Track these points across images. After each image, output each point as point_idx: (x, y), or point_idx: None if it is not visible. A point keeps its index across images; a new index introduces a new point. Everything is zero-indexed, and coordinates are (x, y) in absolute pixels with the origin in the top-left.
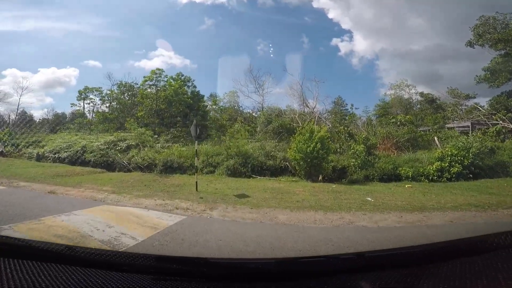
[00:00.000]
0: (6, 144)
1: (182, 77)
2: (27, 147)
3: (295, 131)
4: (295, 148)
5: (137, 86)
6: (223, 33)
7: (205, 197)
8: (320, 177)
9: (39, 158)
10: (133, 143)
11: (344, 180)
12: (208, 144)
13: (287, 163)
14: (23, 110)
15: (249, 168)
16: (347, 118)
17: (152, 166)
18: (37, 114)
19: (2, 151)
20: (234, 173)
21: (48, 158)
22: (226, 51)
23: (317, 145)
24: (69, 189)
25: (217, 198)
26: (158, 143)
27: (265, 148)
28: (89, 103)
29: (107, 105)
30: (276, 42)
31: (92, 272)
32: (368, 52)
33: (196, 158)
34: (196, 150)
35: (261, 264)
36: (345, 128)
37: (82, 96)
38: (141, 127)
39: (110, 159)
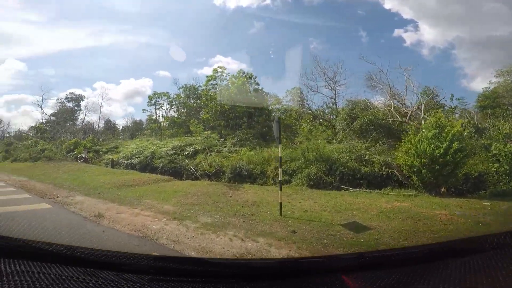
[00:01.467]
0: (89, 150)
1: (243, 74)
2: (106, 153)
3: (391, 128)
4: (413, 151)
5: (201, 88)
6: (273, 35)
7: (299, 229)
8: (443, 189)
9: (114, 164)
10: (200, 148)
11: (483, 192)
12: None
13: (395, 170)
14: (108, 118)
15: (337, 176)
16: (442, 110)
17: (220, 173)
18: (121, 122)
19: (85, 157)
20: (317, 183)
21: (121, 165)
22: (279, 51)
23: (453, 145)
24: (123, 209)
25: (319, 232)
26: (225, 147)
27: (355, 151)
28: (158, 108)
29: (175, 109)
30: (330, 38)
31: (92, 272)
32: (439, 42)
33: (280, 169)
34: (280, 157)
35: (262, 264)
36: (470, 122)
37: (152, 102)
38: (207, 130)
39: (178, 165)
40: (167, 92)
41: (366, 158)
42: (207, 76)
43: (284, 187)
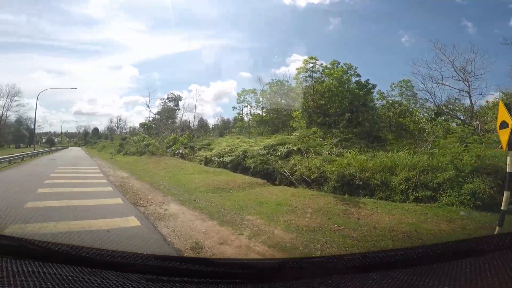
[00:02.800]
0: (185, 146)
1: (338, 65)
2: (200, 150)
3: None
4: None
5: (288, 84)
6: (354, 30)
7: None
8: None
9: (207, 161)
10: (294, 148)
11: None
12: (405, 152)
13: None
14: (201, 117)
15: None
16: None
17: (321, 179)
18: (211, 121)
19: (182, 153)
20: (489, 204)
21: (214, 162)
22: (367, 45)
23: None
24: (226, 235)
25: None
26: (323, 148)
27: None
28: (246, 106)
29: (262, 106)
30: (425, 31)
31: (97, 272)
32: None
33: (506, 192)
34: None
35: (263, 264)
36: None
37: (240, 99)
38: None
39: (270, 167)
40: (254, 89)
41: None
42: (297, 69)
43: (431, 206)
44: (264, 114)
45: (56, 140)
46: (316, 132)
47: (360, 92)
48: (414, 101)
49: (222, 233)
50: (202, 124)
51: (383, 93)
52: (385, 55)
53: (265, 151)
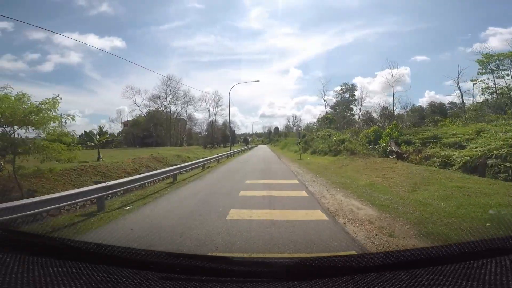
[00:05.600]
0: (396, 141)
1: None
2: (425, 146)
3: None
4: None
5: None
6: None
7: None
8: None
9: (473, 169)
10: None
11: None
12: None
13: None
14: (385, 106)
15: None
16: None
17: None
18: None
19: (397, 151)
20: None
21: (498, 170)
22: None
23: None
24: None
25: None
26: None
27: None
28: (503, 76)
29: None
30: None
31: (108, 269)
32: None
33: None
34: None
35: (283, 262)
36: None
37: (488, 68)
38: None
39: None
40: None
41: None
42: None
43: None
44: None
45: (249, 139)
46: None
47: None
48: None
49: None
50: (385, 113)
51: None
52: None
53: None
